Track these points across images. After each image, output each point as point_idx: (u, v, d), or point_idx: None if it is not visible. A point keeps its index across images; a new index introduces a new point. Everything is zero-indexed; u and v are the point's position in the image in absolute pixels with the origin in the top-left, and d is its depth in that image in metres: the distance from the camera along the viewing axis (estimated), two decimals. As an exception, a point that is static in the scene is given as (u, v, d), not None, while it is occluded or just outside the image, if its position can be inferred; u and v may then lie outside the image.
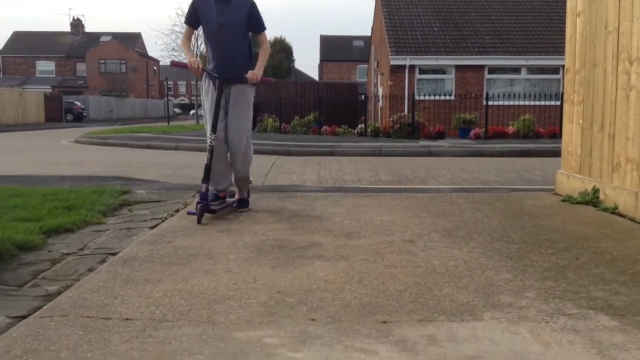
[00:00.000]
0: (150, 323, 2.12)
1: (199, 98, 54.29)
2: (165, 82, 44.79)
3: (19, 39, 61.72)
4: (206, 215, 4.18)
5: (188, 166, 9.32)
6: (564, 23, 5.63)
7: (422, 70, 20.23)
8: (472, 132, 16.90)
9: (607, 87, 4.65)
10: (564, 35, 5.62)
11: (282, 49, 51.82)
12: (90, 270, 2.89)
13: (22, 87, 46.69)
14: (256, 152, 12.01)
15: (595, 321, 2.13)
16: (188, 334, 2.02)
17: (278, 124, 19.72)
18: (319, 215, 4.33)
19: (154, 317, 2.18)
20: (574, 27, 5.33)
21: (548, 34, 20.63)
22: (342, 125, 18.26)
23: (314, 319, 2.16)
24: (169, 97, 43.18)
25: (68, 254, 3.24)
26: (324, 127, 18.10)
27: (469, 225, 3.95)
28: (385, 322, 2.13)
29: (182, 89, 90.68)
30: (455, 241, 3.46)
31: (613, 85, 4.55)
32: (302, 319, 2.17)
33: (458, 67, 20.11)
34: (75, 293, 2.48)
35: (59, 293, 2.52)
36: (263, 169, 8.72)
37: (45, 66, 60.54)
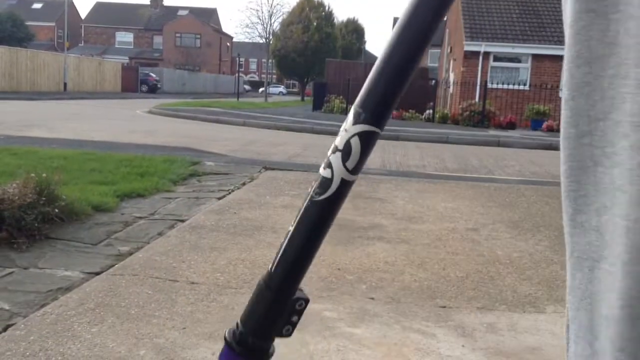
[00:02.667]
0: (214, 288, 2.20)
1: (269, 76, 54.86)
2: (237, 59, 45.47)
3: (100, 9, 63.94)
4: (271, 190, 4.26)
5: (255, 142, 9.47)
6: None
7: (497, 58, 19.71)
8: (544, 125, 16.39)
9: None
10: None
11: (353, 30, 51.60)
12: (160, 234, 3.00)
13: (101, 57, 48.47)
14: (321, 132, 12.09)
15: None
16: (250, 301, 2.08)
17: (345, 105, 19.71)
18: (381, 197, 4.33)
19: (218, 283, 2.25)
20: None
21: (634, 26, 19.67)
22: (410, 110, 18.07)
23: (372, 298, 2.19)
24: (240, 74, 43.87)
25: (139, 218, 3.38)
26: (392, 111, 17.95)
27: (536, 218, 3.86)
28: (444, 306, 2.13)
29: (253, 66, 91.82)
30: (520, 233, 3.40)
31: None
32: (361, 296, 2.20)
33: (535, 56, 19.47)
34: (146, 255, 2.59)
35: (130, 254, 2.64)
36: (328, 149, 8.76)
37: (124, 37, 62.54)
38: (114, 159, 5.31)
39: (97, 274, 2.35)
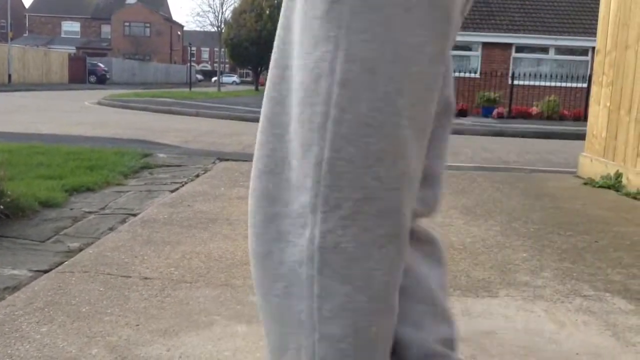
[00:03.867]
0: (169, 283, 2.16)
1: (222, 65, 54.17)
2: (188, 48, 44.76)
3: (45, -2, 61.86)
4: (226, 181, 4.21)
5: (208, 133, 9.35)
6: (596, 4, 5.51)
7: (448, 46, 19.94)
8: (495, 111, 16.73)
9: (638, 70, 4.56)
10: (596, 16, 5.50)
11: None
12: (111, 229, 2.93)
13: (47, 47, 46.98)
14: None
15: (611, 304, 2.13)
16: (206, 295, 2.05)
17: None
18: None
19: (173, 278, 2.21)
20: (608, 8, 5.21)
21: (579, 15, 20.20)
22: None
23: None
24: (192, 63, 43.20)
25: (89, 213, 3.29)
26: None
27: (489, 203, 3.93)
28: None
29: (205, 56, 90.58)
30: (473, 219, 3.45)
31: (644, 68, 4.46)
32: (318, 286, 2.19)
33: (485, 44, 19.79)
34: (96, 250, 2.53)
35: (80, 250, 2.56)
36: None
37: (71, 27, 60.76)
38: (62, 152, 5.16)
39: (46, 271, 2.28)
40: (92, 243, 2.66)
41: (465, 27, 19.64)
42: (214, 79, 62.04)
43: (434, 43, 0.75)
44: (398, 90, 0.73)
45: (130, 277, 2.21)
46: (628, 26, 4.77)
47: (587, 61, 19.08)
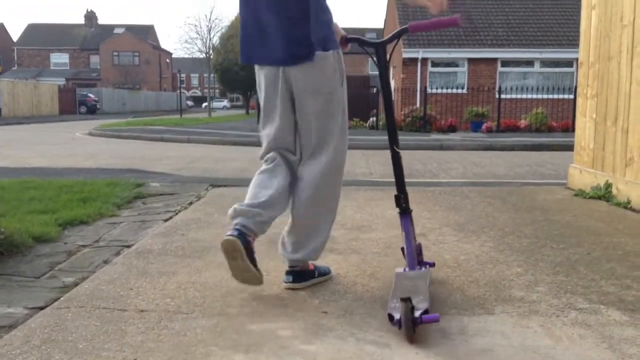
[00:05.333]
0: (165, 315, 2.16)
1: (212, 90, 54.43)
2: (178, 75, 44.92)
3: (33, 31, 62.15)
4: (219, 208, 4.22)
5: (200, 159, 9.37)
6: (579, 16, 5.60)
7: (435, 63, 20.16)
8: (484, 126, 16.85)
9: (622, 81, 4.63)
10: (579, 28, 5.59)
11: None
12: (106, 262, 2.93)
13: (36, 79, 47.05)
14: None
15: (606, 316, 2.14)
16: (202, 325, 2.06)
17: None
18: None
19: (169, 309, 2.21)
20: (589, 20, 5.29)
21: (562, 27, 20.47)
22: (354, 119, 18.24)
23: (326, 312, 2.19)
24: (182, 90, 43.35)
25: (84, 246, 3.29)
26: (336, 120, 18.09)
27: (481, 219, 3.96)
28: (396, 315, 2.15)
29: (195, 82, 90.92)
30: (466, 235, 3.47)
31: (627, 79, 4.53)
32: (314, 311, 2.20)
33: (471, 60, 20.01)
34: (92, 285, 2.52)
35: (76, 284, 2.56)
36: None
37: (59, 58, 60.93)
38: (54, 186, 5.16)
39: (42, 308, 2.27)
40: (87, 277, 2.66)
41: (450, 44, 19.86)
42: (204, 104, 62.19)
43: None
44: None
45: (126, 310, 2.21)
46: (610, 38, 4.85)
47: (573, 72, 19.30)
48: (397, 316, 1.94)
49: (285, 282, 2.49)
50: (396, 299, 2.02)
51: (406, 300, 1.89)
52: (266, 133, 2.48)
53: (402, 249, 2.52)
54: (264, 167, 2.48)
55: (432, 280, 2.52)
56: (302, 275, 2.50)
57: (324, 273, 2.61)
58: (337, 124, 2.45)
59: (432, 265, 2.63)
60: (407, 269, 2.39)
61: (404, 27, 2.44)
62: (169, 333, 1.99)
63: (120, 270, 2.73)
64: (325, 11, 2.35)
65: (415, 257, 2.40)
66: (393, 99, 2.74)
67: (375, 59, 2.49)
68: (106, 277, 2.63)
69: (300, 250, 2.47)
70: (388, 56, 2.48)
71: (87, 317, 2.14)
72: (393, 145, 2.48)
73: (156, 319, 2.12)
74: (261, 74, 2.44)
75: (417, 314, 1.91)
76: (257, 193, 2.38)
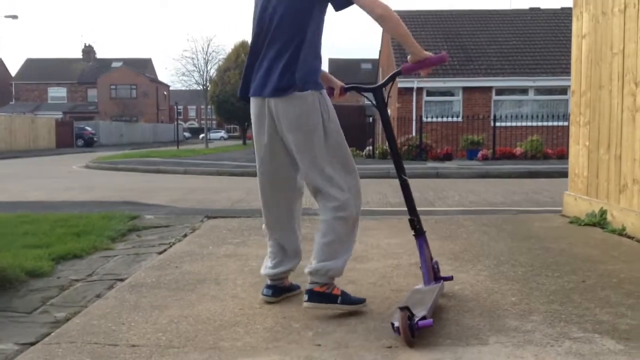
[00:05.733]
0: (156, 349, 2.14)
1: (209, 122, 54.82)
2: (175, 107, 45.17)
3: (31, 65, 62.64)
4: (214, 240, 4.21)
5: (196, 190, 9.38)
6: (571, 44, 5.67)
7: (430, 92, 20.34)
8: (479, 154, 16.91)
9: (613, 109, 4.67)
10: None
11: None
12: (98, 296, 2.91)
13: (34, 114, 47.28)
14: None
15: (600, 345, 2.13)
16: (194, 360, 2.04)
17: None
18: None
19: (161, 344, 2.19)
20: (580, 49, 5.37)
21: (556, 55, 20.71)
22: (351, 148, 18.31)
23: (319, 345, 2.17)
24: (179, 122, 43.57)
25: (76, 280, 3.27)
26: (333, 149, 18.17)
27: (476, 248, 3.95)
28: (390, 347, 2.14)
29: (192, 113, 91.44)
30: (461, 264, 3.46)
31: (619, 106, 4.57)
32: (308, 344, 2.18)
33: (465, 89, 20.19)
34: (83, 320, 2.50)
35: (67, 320, 2.54)
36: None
37: (57, 92, 61.28)
38: (49, 220, 5.15)
39: (32, 344, 2.25)
40: (79, 312, 2.64)
41: (445, 73, 20.06)
42: (201, 135, 62.41)
43: None
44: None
45: (117, 345, 2.19)
46: (600, 67, 4.91)
47: (567, 100, 19.45)
48: (396, 324, 2.14)
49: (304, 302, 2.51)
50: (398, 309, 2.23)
51: (403, 309, 2.11)
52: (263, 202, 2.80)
53: (420, 268, 2.71)
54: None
55: (443, 290, 2.71)
56: (321, 296, 2.49)
57: (351, 302, 2.54)
58: (328, 160, 2.53)
59: (450, 279, 2.84)
60: (422, 286, 2.62)
61: (397, 70, 2.69)
62: (160, 368, 1.96)
63: (112, 305, 2.71)
64: (316, 58, 2.54)
65: (431, 274, 2.64)
66: (391, 136, 2.89)
67: (374, 102, 2.74)
68: (98, 312, 2.61)
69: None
70: (386, 97, 2.74)
71: (78, 352, 2.12)
72: (401, 174, 2.71)
73: (147, 353, 2.10)
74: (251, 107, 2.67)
75: (415, 320, 2.11)
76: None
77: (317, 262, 2.50)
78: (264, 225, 2.82)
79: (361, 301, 2.57)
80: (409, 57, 2.65)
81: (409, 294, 2.56)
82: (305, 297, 2.50)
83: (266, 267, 2.77)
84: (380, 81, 2.83)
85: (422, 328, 2.12)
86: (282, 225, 2.75)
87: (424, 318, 2.14)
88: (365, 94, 2.76)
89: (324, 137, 2.53)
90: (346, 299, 2.53)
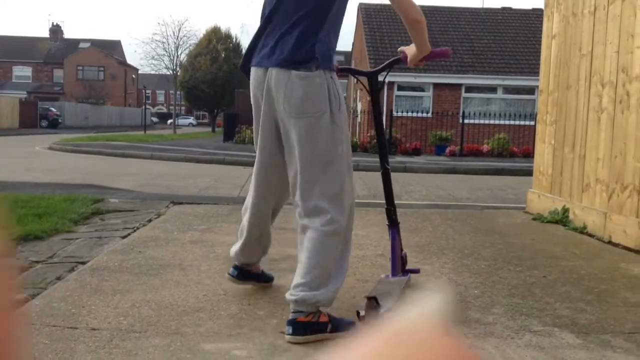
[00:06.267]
0: (117, 333, 2.10)
1: (178, 107, 54.18)
2: (143, 91, 44.49)
3: (-5, 43, 60.89)
4: (179, 225, 4.17)
5: (163, 176, 9.26)
6: (541, 45, 5.75)
7: (401, 87, 20.43)
8: (447, 150, 17.09)
9: (579, 109, 4.75)
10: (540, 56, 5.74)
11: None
12: (59, 278, 2.85)
13: (-3, 92, 46.02)
14: (234, 162, 11.98)
15: (559, 338, 2.17)
16: (155, 344, 2.01)
17: (256, 136, 19.68)
18: (293, 228, 4.32)
19: (122, 328, 2.16)
20: (549, 50, 5.44)
21: (525, 55, 21.00)
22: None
23: (283, 332, 2.16)
24: (147, 106, 42.92)
25: (37, 262, 3.20)
26: (302, 140, 18.14)
27: (441, 241, 3.99)
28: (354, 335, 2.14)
29: (161, 98, 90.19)
30: (426, 257, 3.49)
31: (585, 107, 4.66)
32: (271, 332, 2.17)
33: (436, 85, 20.34)
34: (43, 302, 2.45)
35: (26, 301, 2.48)
36: (240, 180, 8.70)
37: (22, 71, 59.75)
38: (9, 200, 5.02)
39: (-12, 325, 2.19)
40: (38, 294, 2.58)
41: (416, 69, 20.16)
42: (169, 121, 61.63)
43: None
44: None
45: (77, 328, 2.14)
46: (569, 67, 4.99)
47: (534, 100, 19.77)
48: (362, 312, 2.12)
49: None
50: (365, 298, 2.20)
51: (371, 298, 2.09)
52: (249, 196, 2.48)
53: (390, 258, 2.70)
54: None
55: (410, 283, 2.69)
56: (306, 327, 2.09)
57: (341, 328, 2.15)
58: (328, 157, 2.16)
59: (417, 271, 2.81)
60: (389, 276, 2.60)
61: (396, 57, 2.54)
62: (120, 352, 1.93)
63: (73, 287, 2.66)
64: (336, 37, 2.23)
65: (399, 265, 2.61)
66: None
67: (367, 87, 2.60)
68: (58, 294, 2.55)
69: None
70: (381, 84, 2.64)
71: (36, 334, 2.07)
72: (384, 163, 2.65)
73: (108, 337, 2.06)
74: (251, 79, 2.29)
75: (381, 311, 2.08)
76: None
77: (302, 289, 2.09)
78: (243, 208, 2.55)
79: (351, 323, 2.22)
80: (408, 50, 2.46)
81: (375, 283, 2.56)
82: (289, 329, 2.08)
83: (235, 250, 2.56)
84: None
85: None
86: (261, 222, 2.51)
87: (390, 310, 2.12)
88: (360, 77, 2.64)
89: (337, 124, 2.17)
90: (335, 324, 2.15)
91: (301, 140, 2.14)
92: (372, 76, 2.62)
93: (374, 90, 2.60)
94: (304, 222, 2.20)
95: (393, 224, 2.62)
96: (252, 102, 2.30)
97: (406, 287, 2.56)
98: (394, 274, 2.60)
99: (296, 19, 2.12)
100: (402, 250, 2.69)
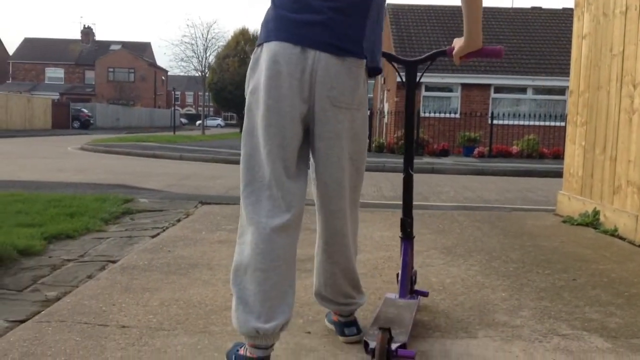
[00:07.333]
0: (147, 331, 2.14)
1: (206, 109, 54.75)
2: (173, 92, 45.03)
3: (29, 45, 62.24)
4: (208, 225, 4.21)
5: (191, 176, 9.36)
6: (571, 45, 5.67)
7: (429, 88, 20.32)
8: (476, 151, 16.94)
9: (610, 110, 4.68)
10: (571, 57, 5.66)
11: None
12: (90, 277, 2.91)
13: (30, 93, 47.03)
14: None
15: (588, 342, 2.14)
16: (184, 343, 2.04)
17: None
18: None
19: (151, 326, 2.20)
20: (579, 50, 5.37)
21: (555, 55, 20.71)
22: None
23: (309, 332, 2.18)
24: (176, 107, 43.41)
25: (68, 260, 3.27)
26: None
27: (469, 243, 3.96)
28: (379, 337, 2.14)
29: (190, 99, 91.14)
30: (453, 259, 3.47)
31: (616, 108, 4.58)
32: (297, 331, 2.19)
33: (464, 86, 20.18)
34: (74, 299, 2.50)
35: (58, 299, 2.54)
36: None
37: (54, 73, 60.97)
38: (42, 200, 5.14)
39: (22, 321, 2.25)
40: (69, 292, 2.64)
41: (444, 69, 20.04)
42: (198, 122, 62.26)
43: None
44: None
45: (107, 325, 2.19)
46: (599, 67, 4.92)
47: (565, 100, 19.48)
48: (372, 345, 1.77)
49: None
50: (376, 327, 1.89)
51: (385, 330, 1.75)
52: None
53: (397, 275, 2.39)
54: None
55: (420, 308, 2.48)
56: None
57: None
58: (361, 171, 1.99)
59: (425, 294, 2.53)
60: (397, 296, 2.30)
61: (440, 50, 2.26)
62: (149, 349, 1.97)
63: (103, 285, 2.71)
64: (381, 27, 1.91)
65: (408, 285, 2.31)
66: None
67: (402, 77, 2.30)
68: (89, 292, 2.61)
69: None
70: (419, 76, 2.35)
71: (68, 331, 2.12)
72: (408, 167, 2.32)
73: (137, 335, 2.10)
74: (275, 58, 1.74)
75: (393, 346, 1.78)
76: None
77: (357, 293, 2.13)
78: None
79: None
80: (458, 42, 2.13)
81: (381, 304, 2.23)
82: (354, 330, 2.11)
83: None
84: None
85: (402, 358, 1.78)
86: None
87: (404, 346, 1.82)
88: (397, 65, 2.30)
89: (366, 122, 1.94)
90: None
91: (357, 134, 1.88)
92: (411, 65, 2.29)
93: (411, 81, 2.30)
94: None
95: (407, 237, 2.31)
96: (263, 79, 1.74)
97: (417, 312, 2.27)
98: (402, 295, 2.29)
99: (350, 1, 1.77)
100: (412, 267, 2.40)
